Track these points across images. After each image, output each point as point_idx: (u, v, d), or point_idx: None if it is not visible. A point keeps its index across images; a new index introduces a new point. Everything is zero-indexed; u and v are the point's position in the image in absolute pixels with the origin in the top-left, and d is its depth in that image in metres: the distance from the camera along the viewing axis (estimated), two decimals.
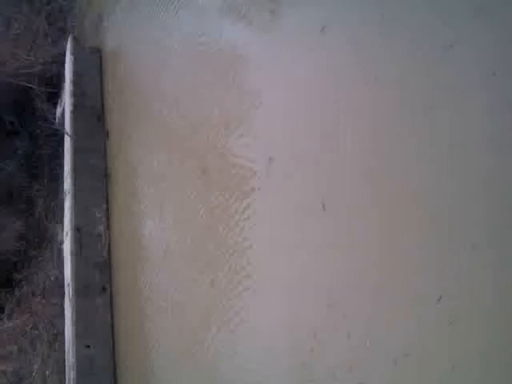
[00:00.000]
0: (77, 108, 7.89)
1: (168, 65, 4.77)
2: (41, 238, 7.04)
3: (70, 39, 8.43)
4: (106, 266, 5.36)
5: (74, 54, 7.92)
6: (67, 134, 7.10)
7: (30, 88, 8.53)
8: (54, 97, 8.74)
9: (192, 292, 3.57)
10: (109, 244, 5.44)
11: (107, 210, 5.98)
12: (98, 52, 8.12)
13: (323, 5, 2.54)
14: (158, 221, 4.43)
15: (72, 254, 5.36)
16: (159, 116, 4.79)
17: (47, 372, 5.63)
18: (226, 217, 3.20)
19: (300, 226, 2.60)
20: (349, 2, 2.44)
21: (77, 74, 7.96)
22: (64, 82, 8.33)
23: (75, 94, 8.05)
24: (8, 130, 8.30)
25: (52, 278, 6.09)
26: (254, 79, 3.18)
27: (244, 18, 3.26)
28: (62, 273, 5.81)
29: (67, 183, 6.82)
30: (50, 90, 8.69)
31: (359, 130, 2.34)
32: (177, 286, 3.92)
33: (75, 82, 8.03)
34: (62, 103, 8.11)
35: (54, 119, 8.23)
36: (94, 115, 7.69)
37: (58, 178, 7.33)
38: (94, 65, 8.14)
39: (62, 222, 6.37)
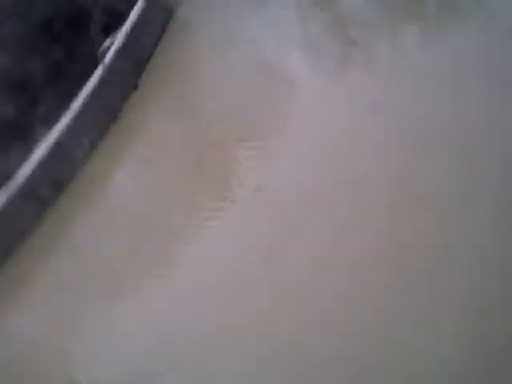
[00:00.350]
0: (124, 50, 7.88)
1: (229, 64, 4.85)
2: None
3: None
4: None
5: (146, 2, 7.96)
6: (102, 64, 7.04)
7: (91, 11, 8.55)
8: (108, 30, 8.71)
9: None
10: None
11: None
12: (168, 12, 8.17)
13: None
14: None
15: None
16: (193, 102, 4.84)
17: None
18: None
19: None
20: None
21: (140, 22, 7.98)
22: (125, 21, 8.39)
23: (129, 38, 8.07)
24: (52, 34, 8.26)
25: None
26: (297, 105, 3.29)
27: (316, 56, 3.34)
28: None
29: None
30: (108, 22, 8.67)
31: None
32: None
33: (135, 28, 8.04)
34: (113, 39, 8.10)
35: (99, 48, 8.23)
36: (135, 64, 7.66)
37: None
38: (159, 21, 8.18)
39: None
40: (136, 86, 6.90)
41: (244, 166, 3.27)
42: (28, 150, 6.66)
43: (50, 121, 7.09)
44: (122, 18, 8.56)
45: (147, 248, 3.94)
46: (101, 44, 7.92)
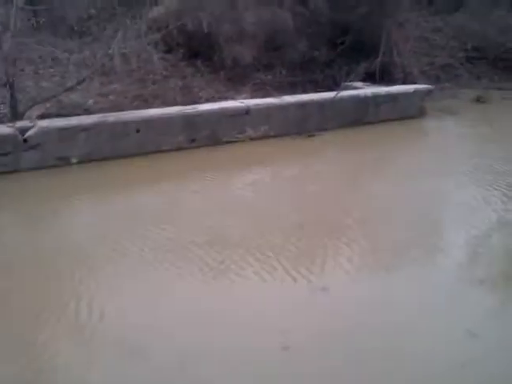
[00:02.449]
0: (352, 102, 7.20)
1: None
2: None
3: None
4: None
5: (414, 91, 7.01)
6: (335, 94, 6.45)
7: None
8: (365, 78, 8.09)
9: None
10: None
11: None
12: (420, 111, 6.93)
13: None
14: None
15: None
16: None
17: None
18: None
19: None
20: None
21: (392, 98, 7.36)
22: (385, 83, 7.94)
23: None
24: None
25: None
26: None
27: None
28: None
29: None
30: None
31: None
32: None
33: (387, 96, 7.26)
34: (363, 86, 7.09)
35: (345, 79, 7.68)
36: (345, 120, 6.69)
37: None
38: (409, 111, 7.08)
39: None
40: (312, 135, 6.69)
41: None
42: None
43: None
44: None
45: None
46: (349, 78, 7.61)
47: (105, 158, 5.40)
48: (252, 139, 6.22)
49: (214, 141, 6.04)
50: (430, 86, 7.82)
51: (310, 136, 6.43)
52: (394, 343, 2.80)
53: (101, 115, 5.64)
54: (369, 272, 3.51)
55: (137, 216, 4.23)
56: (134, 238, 3.82)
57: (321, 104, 6.77)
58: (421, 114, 7.62)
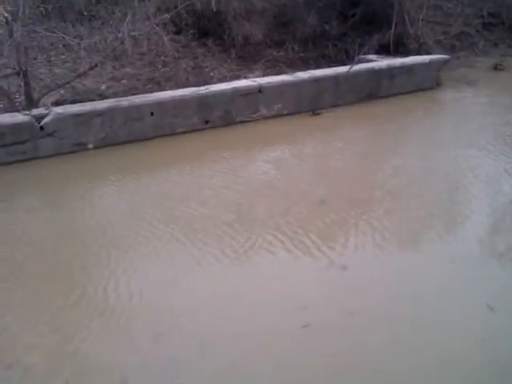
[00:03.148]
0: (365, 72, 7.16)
1: None
2: None
3: None
4: None
5: (429, 61, 7.31)
6: (349, 68, 6.56)
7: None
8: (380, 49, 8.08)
9: None
10: None
11: None
12: (436, 81, 6.81)
13: None
14: None
15: None
16: None
17: None
18: None
19: None
20: None
21: (408, 68, 7.28)
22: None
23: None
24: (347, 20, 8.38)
25: None
26: None
27: None
28: None
29: None
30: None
31: None
32: None
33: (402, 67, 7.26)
34: (375, 59, 7.56)
35: (358, 53, 7.73)
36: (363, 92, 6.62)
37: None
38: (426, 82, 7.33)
39: None
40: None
41: None
42: None
43: None
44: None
45: None
46: (362, 51, 7.73)
47: (121, 142, 5.48)
48: (266, 118, 6.24)
49: (228, 121, 6.08)
50: (445, 56, 7.73)
51: (315, 114, 6.42)
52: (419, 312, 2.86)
53: (114, 100, 5.69)
54: (395, 246, 3.56)
55: (163, 197, 4.31)
56: (164, 217, 3.91)
57: (335, 79, 6.74)
58: (437, 84, 7.56)
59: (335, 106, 6.68)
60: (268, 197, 4.28)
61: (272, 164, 5.00)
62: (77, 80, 6.13)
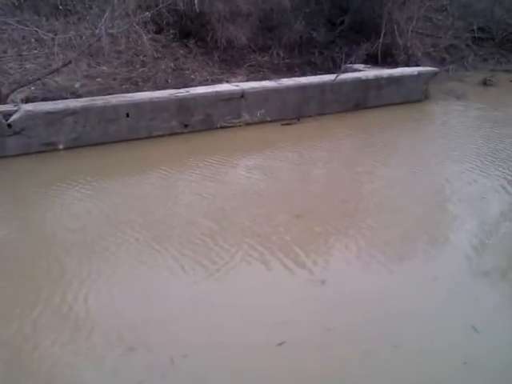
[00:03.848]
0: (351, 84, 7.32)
1: None
2: None
3: None
4: None
5: (418, 73, 7.85)
6: (335, 76, 6.70)
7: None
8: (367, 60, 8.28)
9: None
10: None
11: None
12: (424, 94, 7.52)
13: None
14: None
15: None
16: None
17: None
18: None
19: None
20: None
21: (396, 79, 7.48)
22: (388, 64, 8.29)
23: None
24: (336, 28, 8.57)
25: None
26: None
27: None
28: None
29: None
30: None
31: None
32: None
33: (390, 78, 7.37)
34: (361, 68, 7.70)
35: (345, 61, 7.88)
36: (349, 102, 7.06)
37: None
38: (413, 95, 7.65)
39: None
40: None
41: None
42: None
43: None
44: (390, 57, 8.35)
45: None
46: (349, 60, 7.77)
47: (93, 144, 5.44)
48: (248, 124, 6.26)
49: (208, 126, 6.08)
50: (434, 69, 7.87)
51: (287, 124, 6.43)
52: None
53: (88, 99, 5.64)
54: (377, 261, 3.55)
55: (136, 202, 4.28)
56: (137, 224, 3.88)
57: (321, 87, 6.81)
58: (426, 97, 7.69)
59: (321, 114, 6.74)
60: (247, 205, 4.28)
61: (253, 171, 5.01)
62: (49, 76, 6.08)
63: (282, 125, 6.36)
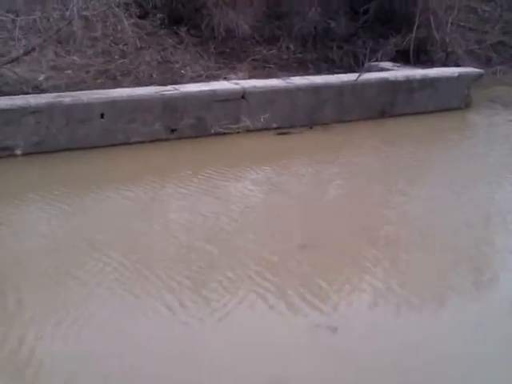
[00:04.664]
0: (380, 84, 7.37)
1: None
2: None
3: None
4: None
5: (459, 75, 7.43)
6: (358, 75, 6.78)
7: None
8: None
9: None
10: None
11: None
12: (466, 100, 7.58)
13: None
14: None
15: None
16: None
17: None
18: None
19: None
20: None
21: (433, 82, 7.41)
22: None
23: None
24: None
25: None
26: None
27: None
28: None
29: None
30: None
31: None
32: None
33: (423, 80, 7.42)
34: (390, 67, 7.76)
35: (369, 59, 7.97)
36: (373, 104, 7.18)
37: None
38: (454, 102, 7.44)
39: None
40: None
41: None
42: None
43: None
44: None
45: None
46: (375, 57, 7.89)
47: (59, 150, 5.41)
48: (249, 131, 6.24)
49: (200, 132, 6.06)
50: (478, 70, 7.87)
51: (282, 134, 6.37)
52: None
53: (55, 95, 5.62)
54: (401, 305, 3.51)
55: (109, 221, 4.26)
56: (109, 248, 3.84)
57: (339, 89, 6.80)
58: (466, 105, 7.69)
59: (338, 122, 6.72)
60: (244, 231, 4.25)
61: (253, 188, 5.00)
62: (7, 66, 6.08)
63: (278, 134, 6.33)
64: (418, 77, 7.35)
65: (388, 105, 7.14)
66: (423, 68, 7.74)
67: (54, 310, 3.25)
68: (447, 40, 8.45)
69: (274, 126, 6.41)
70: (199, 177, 5.14)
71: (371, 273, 3.78)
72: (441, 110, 7.43)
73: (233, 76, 7.10)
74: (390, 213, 4.68)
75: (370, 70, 7.33)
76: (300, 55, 8.21)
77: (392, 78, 7.19)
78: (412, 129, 6.86)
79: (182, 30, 7.96)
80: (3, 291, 3.40)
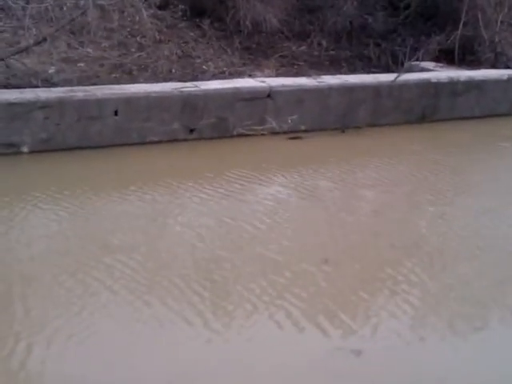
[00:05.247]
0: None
1: None
2: None
3: None
4: None
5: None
6: (397, 75, 6.89)
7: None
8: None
9: None
10: None
11: None
12: None
13: None
14: None
15: None
16: None
17: None
18: None
19: None
20: None
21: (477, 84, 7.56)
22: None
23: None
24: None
25: None
26: None
27: None
28: None
29: None
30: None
31: None
32: None
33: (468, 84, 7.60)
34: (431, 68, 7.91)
35: (410, 58, 7.84)
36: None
37: None
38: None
39: None
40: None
41: None
42: None
43: None
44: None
45: None
46: (416, 56, 7.84)
47: (69, 148, 5.59)
48: (275, 133, 6.39)
49: (222, 133, 6.23)
50: None
51: (295, 138, 6.50)
52: None
53: (66, 89, 5.80)
54: (437, 329, 3.55)
55: (115, 230, 4.32)
56: (112, 261, 3.92)
57: (375, 89, 6.95)
58: None
59: (373, 125, 6.88)
60: (266, 240, 4.34)
61: (278, 194, 5.10)
62: (15, 57, 6.22)
63: (290, 139, 6.46)
64: (463, 79, 7.47)
65: (429, 108, 7.27)
66: (469, 69, 7.85)
67: (64, 320, 3.35)
68: (496, 39, 8.46)
69: (303, 128, 6.56)
70: (220, 180, 5.27)
71: (402, 295, 3.82)
72: (488, 116, 7.54)
73: (258, 73, 7.25)
74: (433, 227, 4.74)
75: (409, 70, 7.43)
76: (333, 52, 8.34)
77: (434, 80, 7.32)
78: (457, 134, 6.97)
79: (205, 23, 8.12)
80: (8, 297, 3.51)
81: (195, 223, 4.54)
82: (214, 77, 6.94)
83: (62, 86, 5.96)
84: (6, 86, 5.87)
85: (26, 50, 6.28)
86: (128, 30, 7.45)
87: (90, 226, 4.40)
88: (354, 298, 3.73)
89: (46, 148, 5.54)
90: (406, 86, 7.10)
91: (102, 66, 6.82)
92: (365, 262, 4.13)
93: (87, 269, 3.79)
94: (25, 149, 5.50)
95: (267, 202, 4.98)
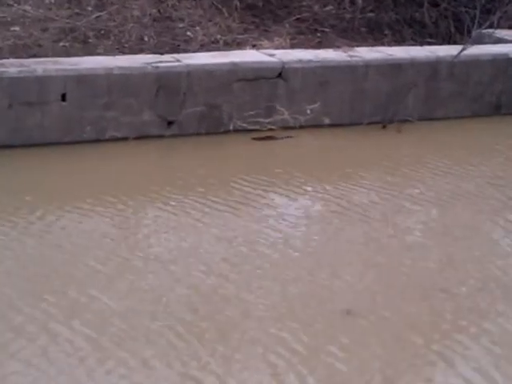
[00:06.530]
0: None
1: None
2: None
3: None
4: None
5: None
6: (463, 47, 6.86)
7: None
8: None
9: None
10: None
11: None
12: None
13: None
14: None
15: None
16: None
17: None
18: None
19: None
20: None
21: None
22: None
23: None
24: None
25: None
26: None
27: None
28: None
29: None
30: None
31: None
32: None
33: None
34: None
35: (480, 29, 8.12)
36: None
37: None
38: None
39: None
40: None
41: None
42: None
43: None
44: None
45: None
46: (487, 23, 7.74)
47: None
48: (287, 128, 6.32)
49: (212, 126, 6.16)
50: None
51: (262, 139, 6.35)
52: None
53: None
54: None
55: (72, 253, 4.31)
56: (62, 299, 3.83)
57: (431, 68, 6.86)
58: None
59: (426, 118, 6.82)
60: (274, 276, 4.31)
61: (277, 222, 5.02)
62: None
63: (253, 139, 6.30)
64: None
65: (507, 95, 7.21)
66: None
67: None
68: None
69: (327, 121, 6.50)
70: (211, 196, 5.22)
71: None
72: None
73: (266, 43, 7.18)
74: (470, 270, 4.63)
75: (480, 41, 7.35)
76: (371, 15, 8.31)
77: None
78: None
79: None
80: None
81: (182, 248, 4.53)
82: (203, 48, 6.89)
83: None
84: None
85: None
86: None
87: (26, 256, 4.31)
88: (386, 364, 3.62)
89: None
90: (473, 63, 7.03)
91: (45, 30, 6.79)
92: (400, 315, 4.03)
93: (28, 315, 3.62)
94: None
95: (277, 220, 4.90)
